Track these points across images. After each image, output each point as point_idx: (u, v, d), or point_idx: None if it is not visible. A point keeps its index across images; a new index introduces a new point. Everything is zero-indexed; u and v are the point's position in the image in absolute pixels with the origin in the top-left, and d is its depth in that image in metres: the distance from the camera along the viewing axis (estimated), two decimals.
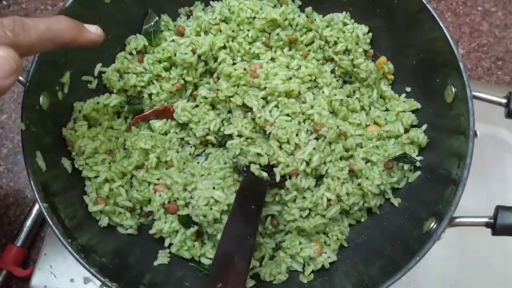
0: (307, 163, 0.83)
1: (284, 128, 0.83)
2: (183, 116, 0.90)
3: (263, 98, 0.87)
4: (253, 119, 0.86)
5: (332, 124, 0.85)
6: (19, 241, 1.04)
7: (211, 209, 0.81)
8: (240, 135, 0.87)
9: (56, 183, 0.79)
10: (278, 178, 0.83)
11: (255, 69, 0.89)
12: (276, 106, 0.87)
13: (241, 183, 0.84)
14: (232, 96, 0.89)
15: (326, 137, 0.84)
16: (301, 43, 0.96)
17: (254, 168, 0.83)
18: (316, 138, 0.85)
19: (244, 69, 0.89)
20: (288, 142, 0.83)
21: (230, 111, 0.92)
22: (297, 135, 0.84)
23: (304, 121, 0.86)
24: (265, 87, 0.86)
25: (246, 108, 0.88)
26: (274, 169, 0.83)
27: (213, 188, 0.83)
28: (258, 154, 0.84)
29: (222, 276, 0.66)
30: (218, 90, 0.89)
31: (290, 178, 0.84)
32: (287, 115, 0.86)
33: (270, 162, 0.84)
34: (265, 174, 0.83)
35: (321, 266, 0.84)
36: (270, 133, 0.84)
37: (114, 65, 0.92)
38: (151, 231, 0.86)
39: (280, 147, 0.84)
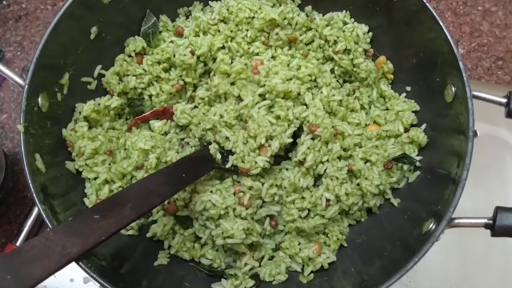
0: (301, 163, 0.83)
1: (261, 126, 0.83)
2: (183, 119, 0.89)
3: (260, 95, 0.87)
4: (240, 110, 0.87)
5: (327, 124, 0.84)
6: (19, 241, 1.04)
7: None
8: (221, 116, 0.87)
9: (56, 185, 0.79)
10: (229, 164, 0.84)
11: (256, 65, 0.88)
12: (270, 106, 0.87)
13: (192, 152, 0.86)
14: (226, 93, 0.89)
15: (321, 137, 0.84)
16: (301, 42, 0.96)
17: (212, 147, 0.84)
18: (312, 138, 0.85)
19: (245, 64, 0.88)
20: (254, 139, 0.83)
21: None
22: (270, 139, 0.83)
23: (294, 127, 0.86)
24: (264, 85, 0.86)
25: (240, 100, 0.88)
26: (230, 156, 0.84)
27: (211, 192, 0.83)
28: (227, 138, 0.85)
29: (104, 211, 0.65)
30: (214, 87, 0.89)
31: (246, 174, 0.84)
32: (278, 117, 0.85)
33: (232, 149, 0.84)
34: (218, 156, 0.84)
35: (320, 267, 0.84)
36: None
37: (113, 68, 0.92)
38: (148, 234, 0.86)
39: (247, 141, 0.84)
